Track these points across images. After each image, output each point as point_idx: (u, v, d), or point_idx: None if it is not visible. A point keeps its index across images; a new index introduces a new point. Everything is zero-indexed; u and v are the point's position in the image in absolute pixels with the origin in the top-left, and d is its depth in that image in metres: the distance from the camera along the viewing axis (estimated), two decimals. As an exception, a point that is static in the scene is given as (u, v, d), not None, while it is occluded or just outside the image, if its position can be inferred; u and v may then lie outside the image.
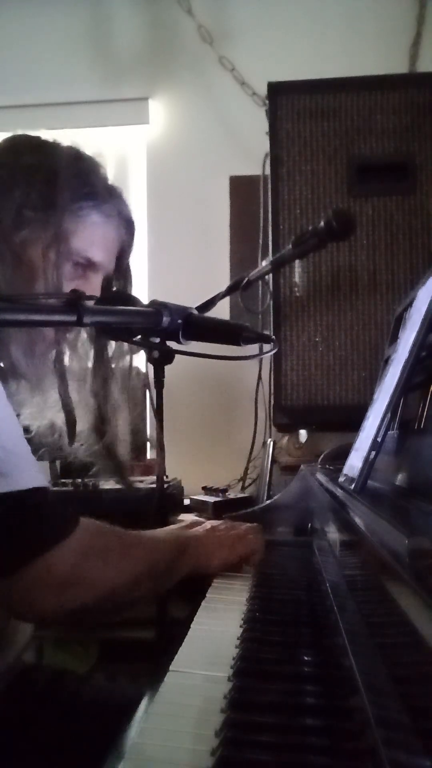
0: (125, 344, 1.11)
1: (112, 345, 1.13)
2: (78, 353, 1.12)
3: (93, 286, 1.07)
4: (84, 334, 1.12)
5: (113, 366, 1.14)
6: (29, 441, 1.12)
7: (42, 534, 0.83)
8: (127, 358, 1.15)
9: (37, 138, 1.10)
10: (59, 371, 1.07)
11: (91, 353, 1.13)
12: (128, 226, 1.14)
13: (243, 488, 2.07)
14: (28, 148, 1.08)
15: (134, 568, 0.94)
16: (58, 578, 0.83)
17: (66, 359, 1.10)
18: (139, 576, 0.95)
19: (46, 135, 1.11)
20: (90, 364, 1.12)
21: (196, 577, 1.03)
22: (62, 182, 1.03)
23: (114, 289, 1.13)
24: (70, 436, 1.12)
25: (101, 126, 2.49)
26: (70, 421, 1.10)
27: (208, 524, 1.15)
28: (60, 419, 1.10)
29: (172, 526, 1.18)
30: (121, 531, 0.96)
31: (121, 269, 1.15)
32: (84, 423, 1.12)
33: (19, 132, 1.11)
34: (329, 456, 1.47)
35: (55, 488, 1.68)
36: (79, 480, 1.70)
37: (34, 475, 0.83)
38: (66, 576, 0.84)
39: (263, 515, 1.36)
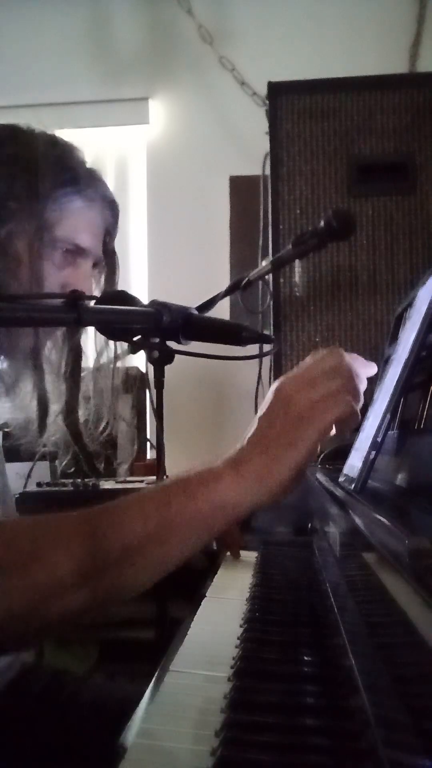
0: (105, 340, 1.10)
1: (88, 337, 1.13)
2: (57, 344, 1.11)
3: (83, 272, 1.07)
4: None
5: (98, 359, 1.13)
6: (7, 436, 1.13)
7: None
8: (107, 352, 1.14)
9: (13, 126, 1.07)
10: (35, 363, 1.06)
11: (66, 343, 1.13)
12: (112, 208, 1.13)
13: (243, 488, 2.07)
14: (4, 138, 1.05)
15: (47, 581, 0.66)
16: None
17: (45, 350, 1.09)
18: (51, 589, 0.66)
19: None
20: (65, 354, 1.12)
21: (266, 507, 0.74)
22: (43, 170, 1.02)
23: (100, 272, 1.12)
24: (41, 427, 1.11)
25: (101, 126, 2.50)
26: (42, 411, 1.09)
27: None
28: (33, 412, 1.10)
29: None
30: (44, 530, 0.69)
31: (108, 252, 1.15)
32: (55, 412, 1.11)
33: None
34: (329, 456, 1.47)
35: (55, 488, 1.68)
36: (79, 480, 1.70)
37: None
38: None
39: (263, 515, 1.36)
